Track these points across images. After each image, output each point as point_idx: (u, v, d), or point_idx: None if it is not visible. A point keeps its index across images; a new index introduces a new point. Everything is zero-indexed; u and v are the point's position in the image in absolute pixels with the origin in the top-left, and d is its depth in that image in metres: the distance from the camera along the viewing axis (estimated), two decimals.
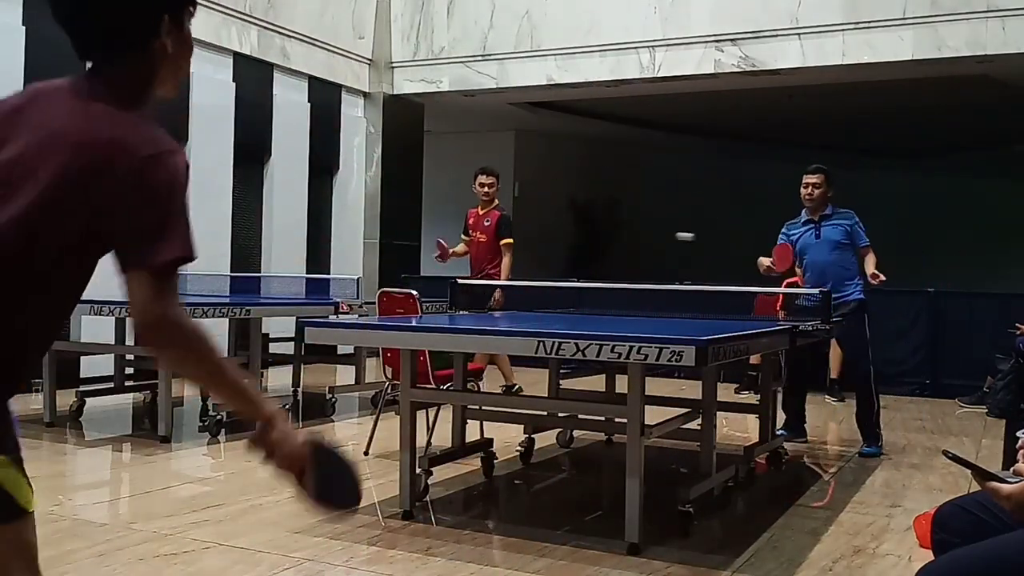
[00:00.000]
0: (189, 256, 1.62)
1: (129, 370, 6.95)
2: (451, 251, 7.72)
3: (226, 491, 4.49)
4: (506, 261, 7.45)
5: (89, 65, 1.66)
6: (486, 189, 7.57)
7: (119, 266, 1.57)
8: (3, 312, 1.53)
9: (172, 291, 1.60)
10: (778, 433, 5.93)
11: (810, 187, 5.87)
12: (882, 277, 5.61)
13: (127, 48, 1.64)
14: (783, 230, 6.04)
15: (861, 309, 5.74)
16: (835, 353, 8.45)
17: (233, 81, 9.45)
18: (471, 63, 11.02)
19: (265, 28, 9.82)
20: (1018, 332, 7.38)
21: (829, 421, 7.41)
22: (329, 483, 1.73)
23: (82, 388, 6.52)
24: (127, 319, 5.96)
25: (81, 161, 1.52)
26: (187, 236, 1.61)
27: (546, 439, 5.71)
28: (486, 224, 7.57)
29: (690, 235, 6.25)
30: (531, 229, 15.13)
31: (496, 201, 7.66)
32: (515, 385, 7.52)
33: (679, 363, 3.19)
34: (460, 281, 6.18)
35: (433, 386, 4.92)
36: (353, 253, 11.30)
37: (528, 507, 4.72)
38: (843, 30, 9.17)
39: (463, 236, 7.79)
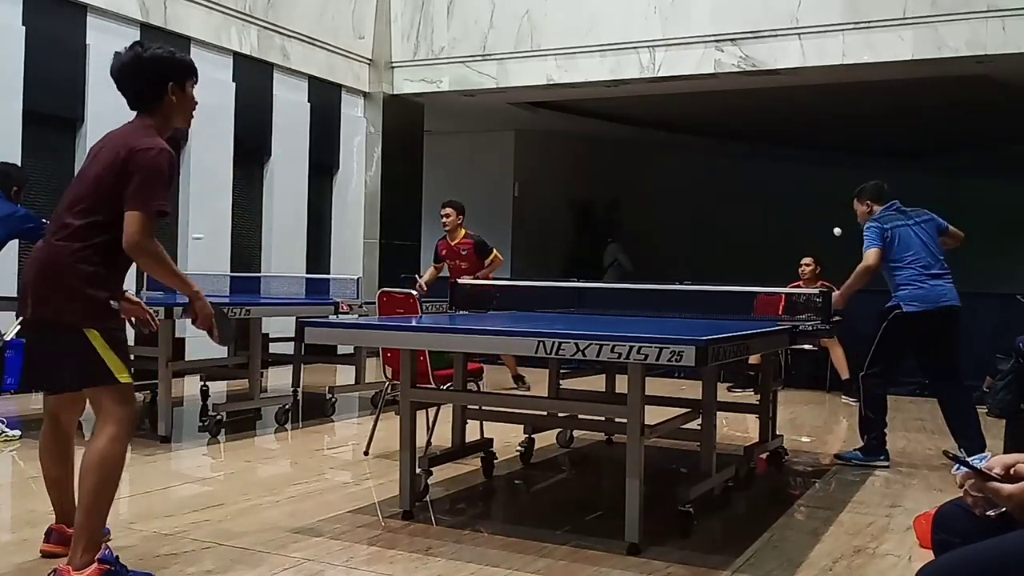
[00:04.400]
0: (159, 210, 3.05)
1: None
2: (422, 282, 8.04)
3: (226, 491, 4.49)
4: (495, 264, 7.95)
5: (136, 112, 3.22)
6: (443, 220, 8.07)
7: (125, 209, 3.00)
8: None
9: (150, 227, 3.02)
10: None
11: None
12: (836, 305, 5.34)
13: (148, 104, 3.19)
14: None
15: (882, 316, 5.53)
16: (836, 354, 8.47)
17: (233, 81, 9.45)
18: (471, 63, 11.02)
19: (265, 28, 9.82)
20: None
21: (830, 421, 7.42)
22: (223, 330, 3.38)
23: None
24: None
25: (113, 156, 3.06)
26: (159, 197, 3.05)
27: (546, 439, 5.71)
28: (463, 253, 7.98)
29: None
30: (531, 229, 15.15)
31: (463, 230, 8.05)
32: (522, 377, 7.83)
33: (679, 363, 3.19)
34: (460, 282, 6.18)
35: (433, 386, 4.92)
36: (353, 253, 11.30)
37: (528, 507, 4.72)
38: (843, 30, 9.17)
39: (434, 263, 8.23)
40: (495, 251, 8.06)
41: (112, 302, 3.10)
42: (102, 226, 3.04)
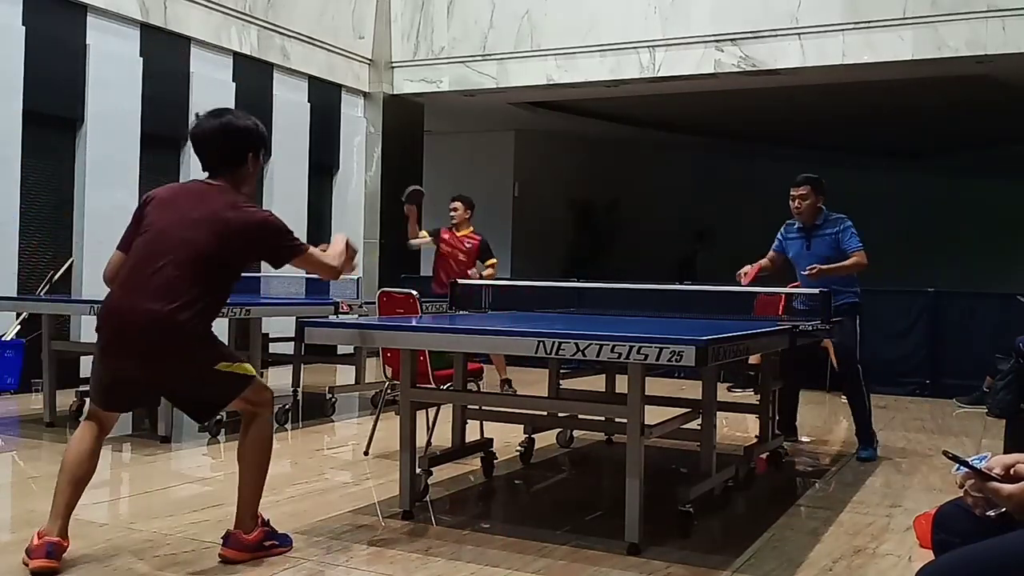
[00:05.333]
0: (305, 246, 3.47)
1: None
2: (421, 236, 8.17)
3: (226, 491, 4.48)
4: (488, 272, 7.93)
5: (209, 173, 3.40)
6: (452, 214, 8.17)
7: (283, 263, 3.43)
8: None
9: (315, 257, 3.51)
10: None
11: (797, 200, 5.68)
12: (819, 267, 5.46)
13: (226, 169, 3.37)
14: (781, 231, 5.91)
15: (852, 312, 5.62)
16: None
17: (233, 81, 9.45)
18: (471, 63, 11.02)
19: (265, 28, 9.82)
20: None
21: (830, 421, 7.41)
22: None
23: (82, 388, 6.50)
24: None
25: (231, 231, 3.25)
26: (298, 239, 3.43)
27: (546, 439, 5.71)
28: (467, 246, 8.03)
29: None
30: (531, 229, 15.15)
31: (470, 226, 8.12)
32: (509, 380, 7.83)
33: (679, 363, 3.18)
34: (460, 281, 6.18)
35: (433, 386, 4.92)
36: None
37: (528, 507, 4.72)
38: (843, 30, 9.17)
39: (430, 236, 8.16)
40: (495, 260, 8.09)
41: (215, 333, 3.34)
42: (211, 289, 3.26)
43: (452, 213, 8.13)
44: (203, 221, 3.22)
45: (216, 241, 3.21)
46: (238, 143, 3.39)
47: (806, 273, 5.55)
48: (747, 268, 5.75)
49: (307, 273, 3.60)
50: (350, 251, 3.65)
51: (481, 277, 7.74)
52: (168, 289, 3.15)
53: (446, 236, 8.09)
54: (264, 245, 3.35)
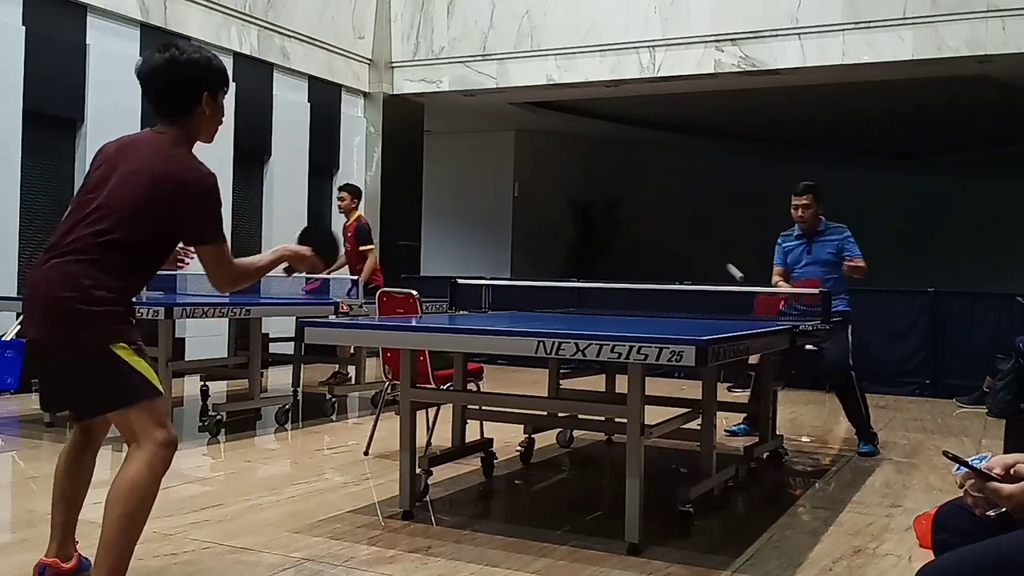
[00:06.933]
0: (224, 237, 2.86)
1: None
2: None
3: (226, 491, 4.49)
4: (367, 264, 8.07)
5: (160, 119, 2.87)
6: (339, 204, 8.38)
7: (192, 246, 2.89)
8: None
9: (229, 255, 2.87)
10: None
11: (800, 209, 5.82)
12: (855, 263, 5.68)
13: (181, 114, 2.85)
14: (779, 242, 6.03)
15: (846, 320, 5.73)
16: None
17: (233, 81, 9.40)
18: (471, 63, 11.02)
19: (265, 28, 9.83)
20: None
21: (830, 421, 7.41)
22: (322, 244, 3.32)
23: None
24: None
25: (155, 187, 2.72)
26: (222, 222, 2.84)
27: (546, 439, 5.71)
28: (348, 235, 8.22)
29: (739, 274, 6.20)
30: (531, 229, 15.16)
31: (357, 212, 8.33)
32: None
33: (679, 363, 3.18)
34: (460, 281, 6.18)
35: (433, 386, 4.92)
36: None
37: (528, 507, 4.72)
38: (843, 30, 9.18)
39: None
40: (372, 247, 8.15)
41: (131, 318, 2.80)
42: (126, 247, 2.73)
43: (340, 204, 8.34)
44: (140, 179, 2.71)
45: (148, 200, 2.70)
46: (187, 81, 2.84)
47: (850, 264, 5.70)
48: (782, 284, 5.91)
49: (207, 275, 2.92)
50: (308, 264, 3.12)
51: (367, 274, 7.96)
52: (80, 252, 2.67)
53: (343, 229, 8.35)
54: (185, 210, 2.74)
